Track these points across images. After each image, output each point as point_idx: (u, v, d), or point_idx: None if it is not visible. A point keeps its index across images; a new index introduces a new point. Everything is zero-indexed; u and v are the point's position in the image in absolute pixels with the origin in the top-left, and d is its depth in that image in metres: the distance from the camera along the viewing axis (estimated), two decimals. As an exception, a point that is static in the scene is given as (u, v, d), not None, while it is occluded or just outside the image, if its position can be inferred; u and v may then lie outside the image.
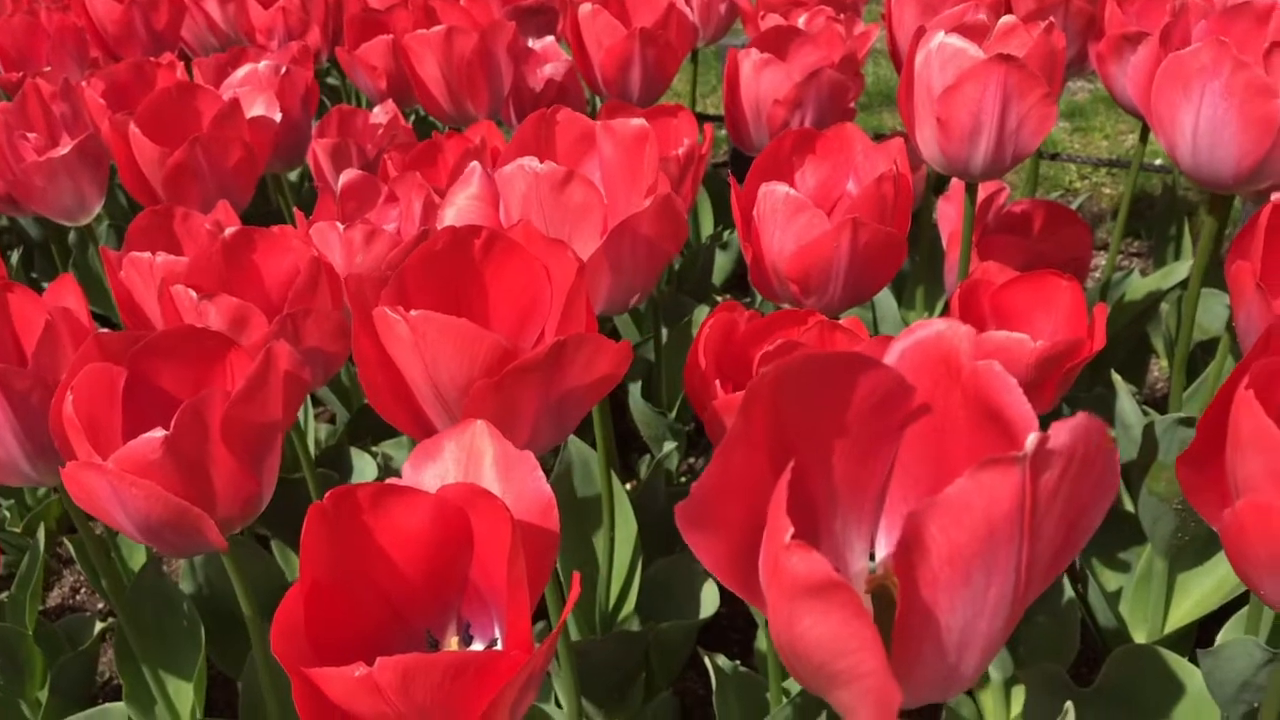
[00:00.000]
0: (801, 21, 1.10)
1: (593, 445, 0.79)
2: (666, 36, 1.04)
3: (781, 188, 0.65)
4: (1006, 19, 0.81)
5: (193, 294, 0.64)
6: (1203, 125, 0.69)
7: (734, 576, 0.34)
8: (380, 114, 1.09)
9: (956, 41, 0.75)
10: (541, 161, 0.65)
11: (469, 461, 0.45)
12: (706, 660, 0.72)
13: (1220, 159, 0.69)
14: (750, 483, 0.33)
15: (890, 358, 0.35)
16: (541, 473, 0.44)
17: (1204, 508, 0.39)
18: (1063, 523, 0.31)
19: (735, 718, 0.72)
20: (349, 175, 0.80)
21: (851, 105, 0.99)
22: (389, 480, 0.44)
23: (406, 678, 0.37)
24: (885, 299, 1.16)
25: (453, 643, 0.45)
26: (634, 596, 0.83)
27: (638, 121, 0.68)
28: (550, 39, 1.11)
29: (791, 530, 0.29)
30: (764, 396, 0.33)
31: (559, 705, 0.73)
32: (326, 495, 0.41)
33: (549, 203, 0.64)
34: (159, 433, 0.51)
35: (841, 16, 1.10)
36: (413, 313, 0.48)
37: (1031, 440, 0.28)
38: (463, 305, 0.53)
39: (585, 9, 1.03)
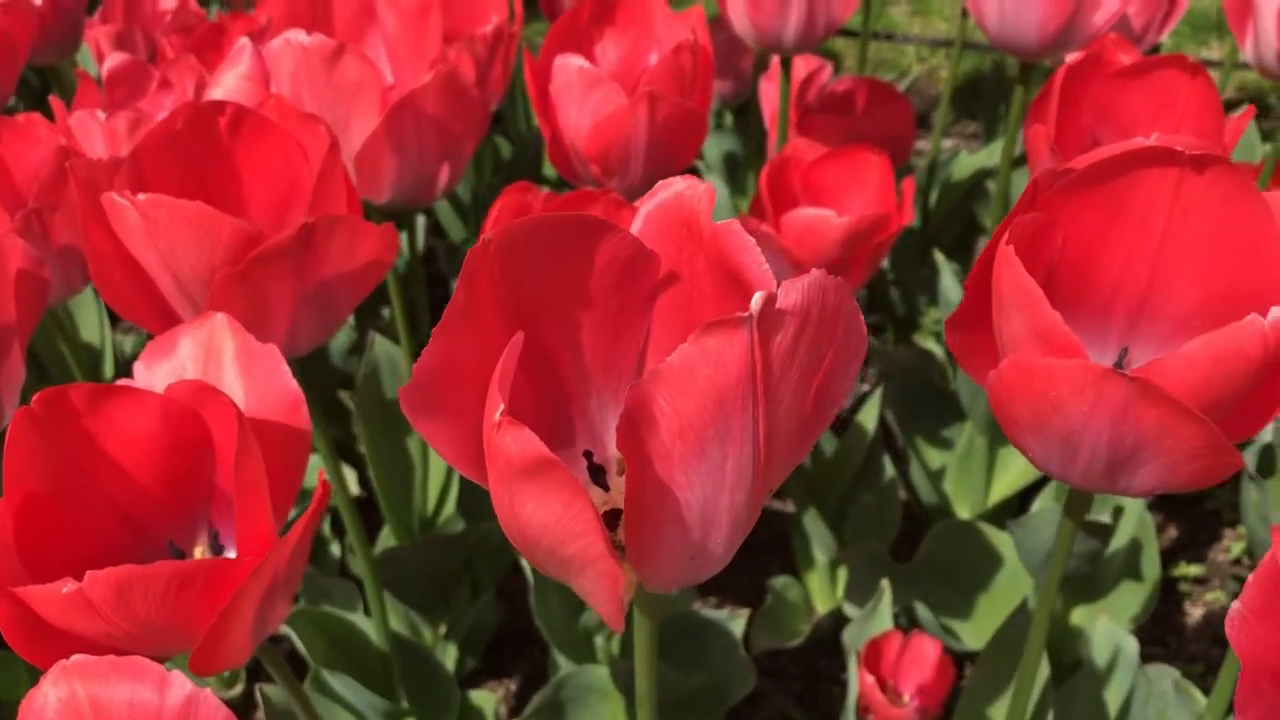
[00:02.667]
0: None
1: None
2: (474, -91, 0.97)
3: (575, 60, 0.61)
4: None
5: (-75, 190, 0.57)
6: (1007, -10, 0.67)
7: (474, 466, 0.31)
8: (170, -2, 1.01)
9: (763, -94, 0.72)
10: (317, 36, 0.60)
11: (208, 358, 0.41)
12: (523, 560, 0.70)
13: (1025, 24, 0.68)
14: (482, 361, 0.30)
15: (636, 224, 0.33)
16: (287, 367, 0.40)
17: (975, 370, 0.38)
18: (805, 387, 0.29)
19: (555, 616, 0.70)
20: (115, 60, 0.73)
21: (670, -19, 0.95)
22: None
23: (122, 591, 0.34)
24: (716, 183, 1.13)
25: (198, 552, 0.41)
26: (454, 499, 0.81)
27: (420, -9, 0.63)
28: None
29: (502, 407, 0.26)
30: (488, 265, 0.30)
31: (368, 614, 0.70)
32: (35, 397, 0.37)
33: (320, 80, 0.58)
34: None
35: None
36: (141, 196, 0.43)
37: (757, 301, 0.26)
38: (211, 190, 0.48)
39: (385, -121, 0.96)
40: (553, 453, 0.35)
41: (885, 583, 0.70)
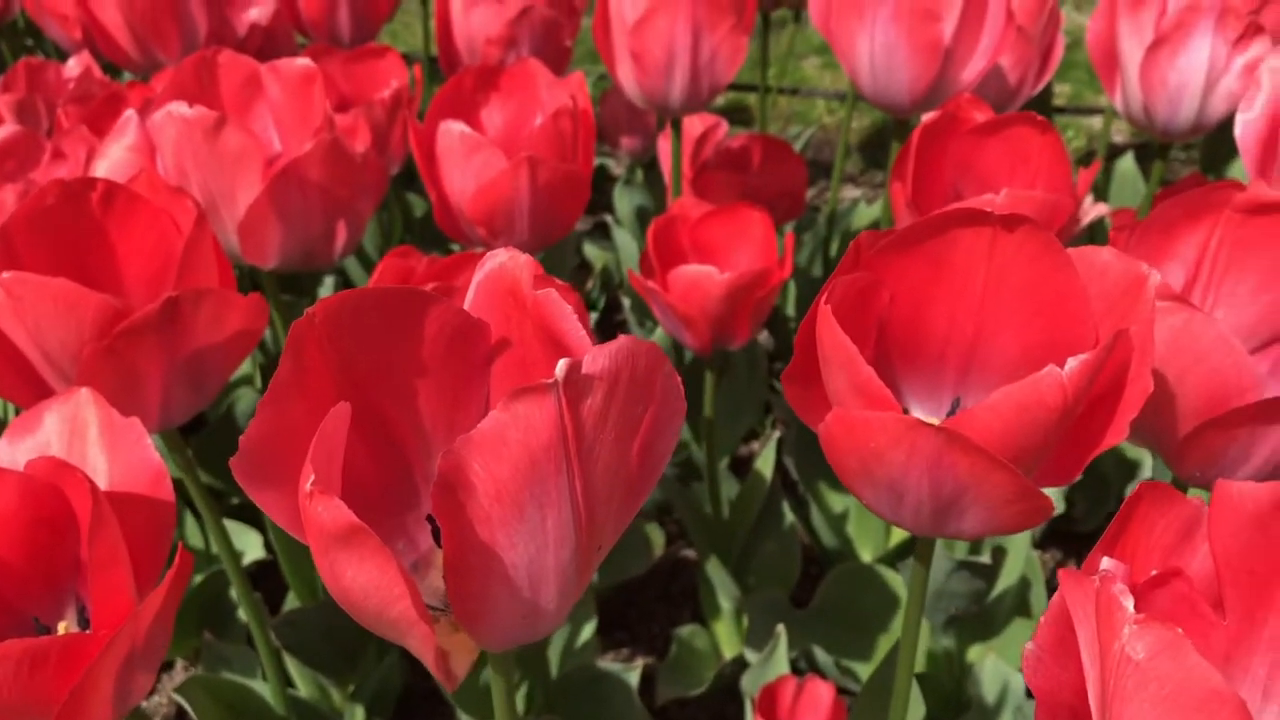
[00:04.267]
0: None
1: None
2: (373, -23, 0.99)
3: (457, 126, 0.63)
4: (699, -50, 0.81)
5: None
6: (877, 50, 0.70)
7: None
8: (74, 66, 1.01)
9: (645, -27, 0.74)
10: (207, 107, 0.61)
11: (72, 434, 0.42)
12: (423, 617, 0.70)
13: (895, 83, 0.70)
14: (314, 430, 0.31)
15: (470, 293, 0.34)
16: (150, 441, 0.41)
17: (812, 422, 0.40)
18: (624, 447, 0.30)
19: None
20: (4, 131, 0.73)
21: (568, 44, 0.98)
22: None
23: (-32, 671, 0.34)
24: (626, 239, 1.15)
25: (62, 627, 0.42)
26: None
27: (303, 62, 0.65)
28: (255, -18, 1.05)
29: (313, 478, 0.27)
30: (315, 337, 0.31)
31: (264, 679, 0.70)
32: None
33: (203, 151, 0.60)
34: None
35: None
36: (6, 274, 0.44)
37: (561, 368, 0.27)
38: (86, 265, 0.49)
39: (284, -51, 0.98)
40: (398, 515, 0.36)
41: (781, 628, 0.71)
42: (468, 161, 0.63)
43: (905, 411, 0.43)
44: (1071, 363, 0.33)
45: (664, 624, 0.94)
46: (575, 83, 0.67)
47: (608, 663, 0.69)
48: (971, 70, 0.71)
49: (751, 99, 1.77)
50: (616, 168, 1.51)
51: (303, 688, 0.82)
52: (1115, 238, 0.46)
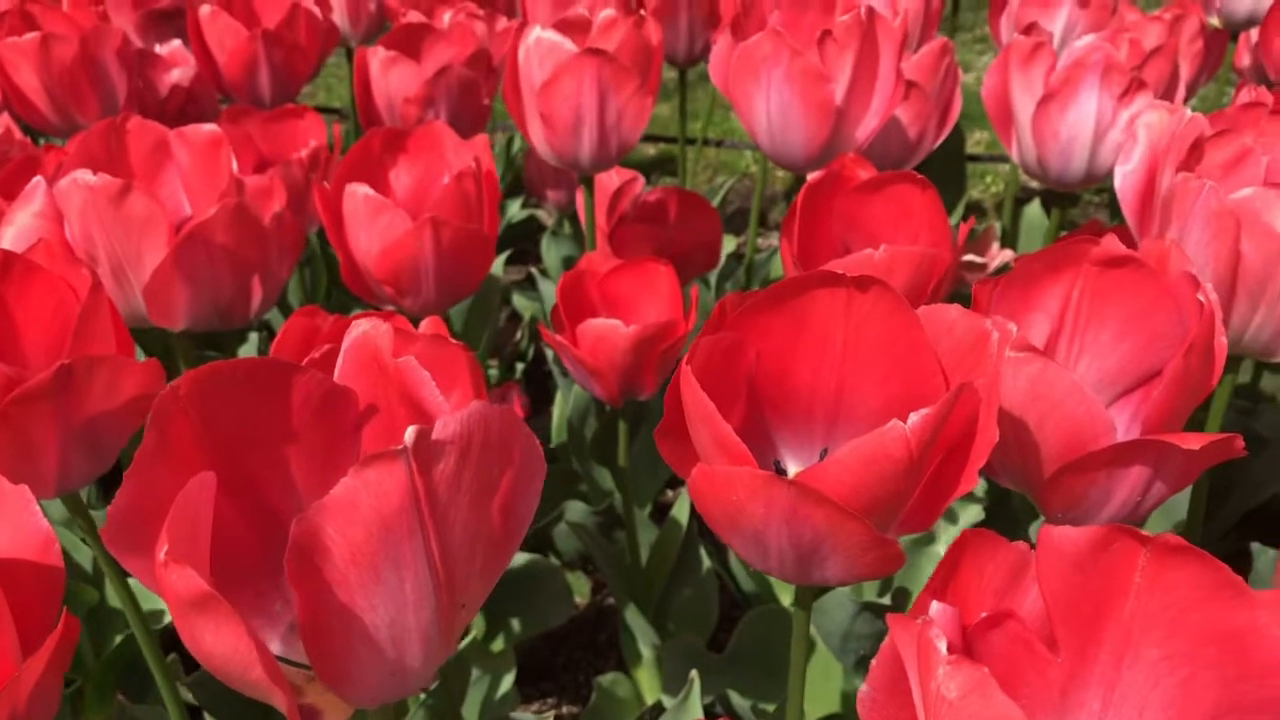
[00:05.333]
0: (447, 19, 1.09)
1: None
2: (294, 38, 1.01)
3: (362, 188, 0.64)
4: (606, 13, 0.83)
5: None
6: (773, 111, 0.73)
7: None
8: (-7, 129, 1.01)
9: (552, 36, 0.76)
10: (116, 172, 0.62)
11: (-41, 501, 0.42)
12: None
13: (792, 142, 0.73)
14: (185, 498, 0.32)
15: (339, 361, 0.35)
16: (38, 507, 0.41)
17: (684, 475, 0.41)
18: (482, 508, 0.32)
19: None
20: (-87, 198, 0.74)
21: (486, 102, 1.00)
22: None
23: None
24: (551, 289, 1.17)
25: (-51, 696, 0.42)
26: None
27: (210, 128, 0.66)
28: (178, 43, 1.07)
29: (167, 547, 0.28)
30: (181, 409, 0.32)
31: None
32: None
33: (108, 216, 0.60)
34: None
35: (482, 13, 1.10)
36: (-104, 345, 0.44)
37: (410, 434, 0.29)
38: (-16, 333, 0.50)
39: (205, 10, 0.99)
40: (275, 578, 0.37)
41: (694, 674, 0.72)
42: (373, 223, 0.64)
43: (779, 462, 0.45)
44: (913, 417, 0.35)
45: (589, 673, 0.94)
46: (480, 144, 0.68)
47: (523, 714, 0.70)
48: (865, 129, 0.74)
49: (678, 149, 1.80)
50: (547, 219, 1.53)
51: (223, 747, 0.81)
52: (979, 291, 0.48)
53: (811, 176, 0.60)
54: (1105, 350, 0.50)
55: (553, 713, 0.69)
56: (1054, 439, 0.45)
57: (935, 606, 0.30)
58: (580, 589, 1.01)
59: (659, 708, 0.81)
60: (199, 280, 0.63)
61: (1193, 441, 0.42)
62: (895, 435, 0.35)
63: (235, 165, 0.67)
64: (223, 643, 0.29)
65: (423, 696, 0.71)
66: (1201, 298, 0.45)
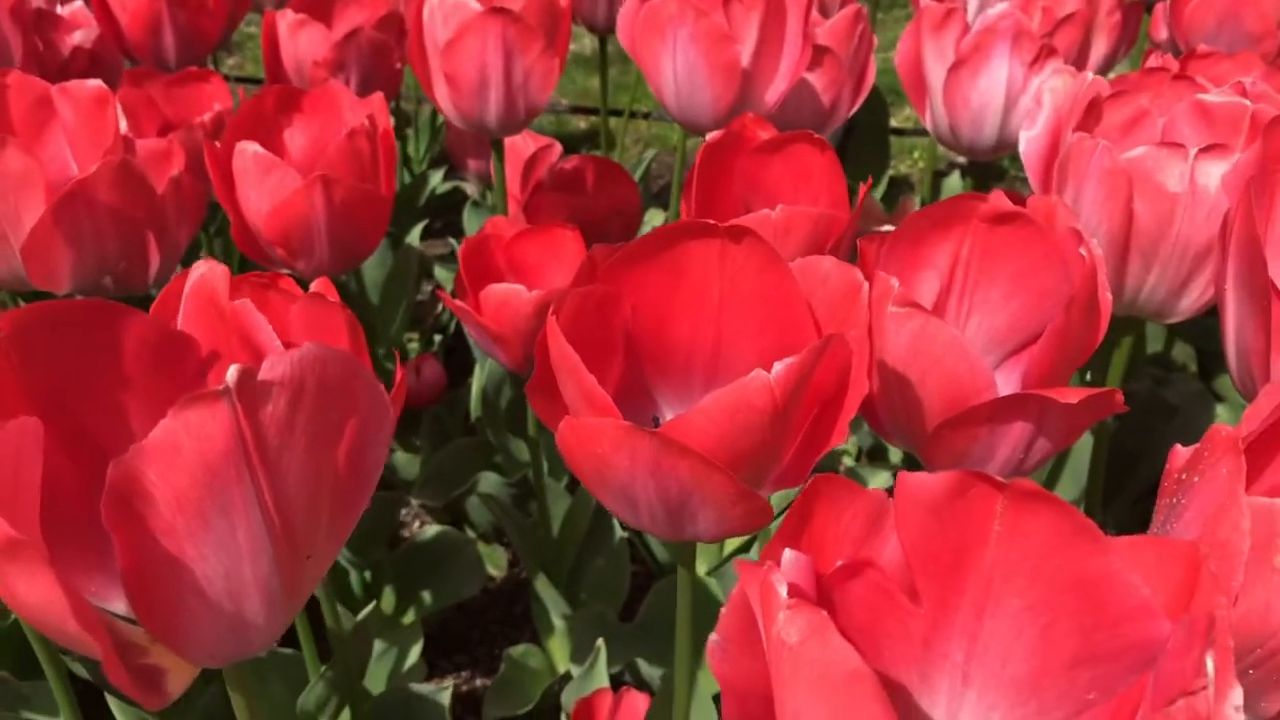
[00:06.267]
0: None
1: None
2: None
3: (251, 146, 0.62)
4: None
5: None
6: (680, 72, 0.72)
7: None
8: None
9: (456, -5, 0.75)
10: (-5, 130, 0.60)
11: None
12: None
13: (699, 104, 0.72)
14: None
15: (181, 308, 0.34)
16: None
17: (555, 431, 0.40)
18: (323, 456, 0.31)
19: (274, 698, 0.70)
20: None
21: (398, 66, 0.98)
22: None
23: None
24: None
25: None
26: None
27: (95, 83, 0.63)
28: (79, 3, 1.03)
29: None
30: (4, 352, 0.30)
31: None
32: None
33: (-19, 173, 0.58)
34: None
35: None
36: None
37: (232, 374, 0.27)
38: None
39: (106, -30, 0.96)
40: (105, 536, 0.36)
41: (600, 642, 0.71)
42: (262, 182, 0.62)
43: (657, 418, 0.44)
44: (778, 366, 0.34)
45: (504, 646, 0.93)
46: (376, 103, 0.67)
47: (423, 685, 0.69)
48: (773, 91, 0.73)
49: (613, 122, 1.79)
50: (472, 191, 1.51)
51: (125, 724, 0.80)
52: (864, 247, 0.47)
53: (710, 136, 0.59)
54: (995, 308, 0.50)
55: (451, 683, 0.68)
56: (936, 395, 0.44)
57: (787, 554, 0.29)
58: (496, 562, 1.00)
59: (568, 677, 0.80)
60: (82, 241, 0.61)
61: (1071, 395, 0.42)
62: (759, 385, 0.34)
63: (124, 123, 0.65)
64: (35, 592, 0.27)
65: (323, 669, 0.69)
66: (1084, 252, 0.44)
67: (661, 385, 0.43)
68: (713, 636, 0.30)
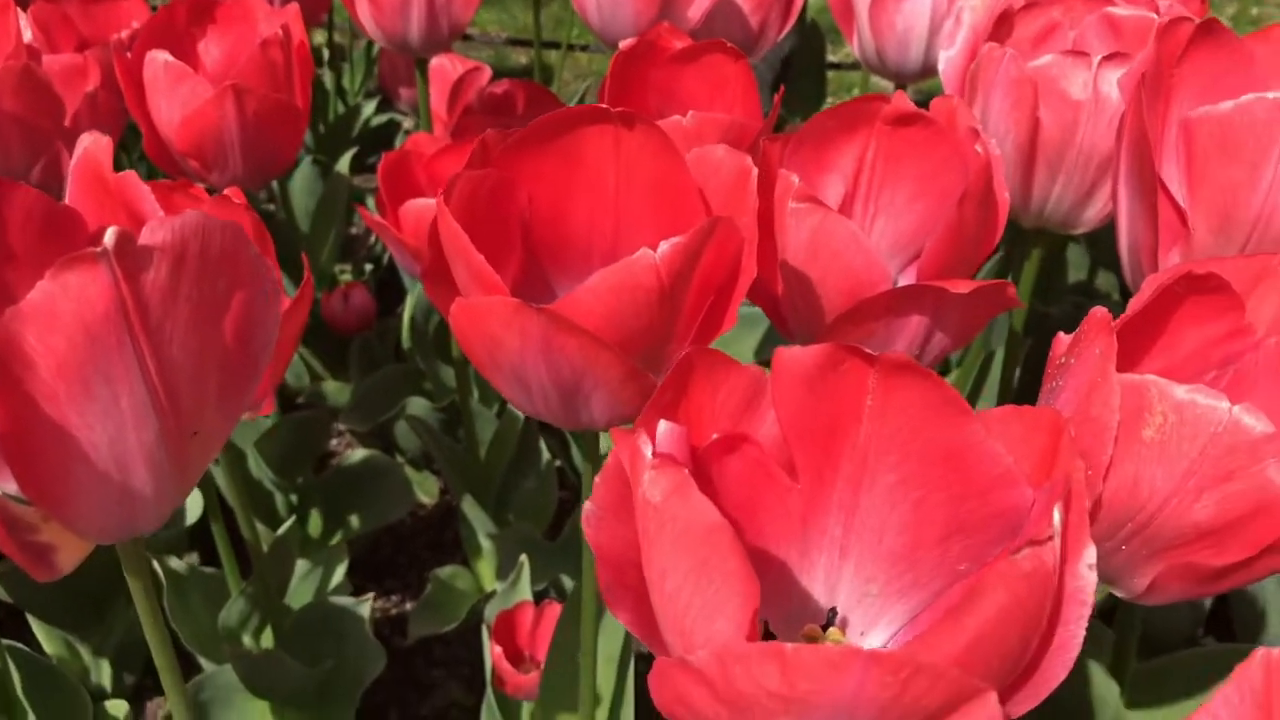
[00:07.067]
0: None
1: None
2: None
3: (162, 55, 0.62)
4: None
5: None
6: (602, -14, 0.71)
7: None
8: None
9: (374, -89, 0.74)
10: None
11: None
12: (156, 565, 0.69)
13: (621, 19, 0.72)
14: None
15: (69, 184, 0.34)
16: None
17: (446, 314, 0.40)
18: (206, 327, 0.31)
19: (195, 617, 0.70)
20: None
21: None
22: None
23: None
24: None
25: None
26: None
27: (-4, -11, 0.62)
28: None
29: None
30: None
31: None
32: None
33: (-120, 76, 0.57)
34: None
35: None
36: None
37: (110, 236, 0.27)
38: None
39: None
40: None
41: (523, 558, 0.72)
42: (173, 91, 0.62)
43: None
44: (664, 245, 0.35)
45: (433, 569, 0.94)
46: (290, 13, 0.66)
47: (343, 597, 0.70)
48: (697, 8, 0.73)
49: (553, 56, 1.77)
50: (408, 124, 1.50)
51: (49, 646, 0.79)
52: (768, 148, 0.48)
53: (624, 44, 0.59)
54: (900, 210, 0.51)
55: (372, 595, 0.68)
56: (834, 289, 0.45)
57: (661, 424, 0.30)
58: (427, 489, 1.00)
59: (494, 595, 0.81)
60: (-14, 149, 0.60)
61: (961, 286, 0.43)
62: (645, 264, 0.35)
63: (29, 33, 0.64)
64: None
65: (243, 585, 0.70)
66: (979, 148, 0.45)
67: (562, 279, 0.43)
68: (587, 504, 0.30)
